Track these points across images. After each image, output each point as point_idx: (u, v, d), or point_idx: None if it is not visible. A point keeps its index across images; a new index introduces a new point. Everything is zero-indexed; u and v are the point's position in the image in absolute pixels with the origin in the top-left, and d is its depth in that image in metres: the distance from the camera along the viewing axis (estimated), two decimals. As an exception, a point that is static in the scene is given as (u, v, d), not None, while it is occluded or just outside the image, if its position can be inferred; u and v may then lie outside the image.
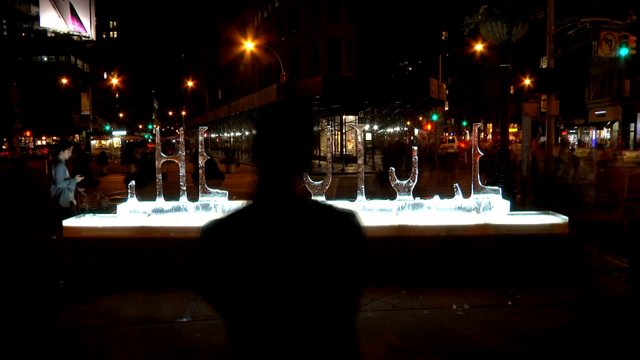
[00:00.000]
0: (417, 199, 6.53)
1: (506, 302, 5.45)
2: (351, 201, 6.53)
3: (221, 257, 1.39)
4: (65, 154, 7.82)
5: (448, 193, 6.98)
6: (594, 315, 5.13)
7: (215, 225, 1.44)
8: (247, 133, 43.99)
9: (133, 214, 6.52)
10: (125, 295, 5.76)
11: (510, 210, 6.64)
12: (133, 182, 6.70)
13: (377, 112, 30.67)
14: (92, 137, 57.02)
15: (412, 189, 6.49)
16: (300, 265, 1.36)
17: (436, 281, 5.94)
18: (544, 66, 16.67)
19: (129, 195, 6.57)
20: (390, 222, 6.21)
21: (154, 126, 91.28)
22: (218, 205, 6.53)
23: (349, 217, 1.44)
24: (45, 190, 7.93)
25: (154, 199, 6.59)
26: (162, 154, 6.69)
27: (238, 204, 6.67)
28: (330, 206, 1.45)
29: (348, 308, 1.46)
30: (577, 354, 4.33)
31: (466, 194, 6.56)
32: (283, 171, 1.41)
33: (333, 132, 30.71)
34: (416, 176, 6.55)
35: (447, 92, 49.83)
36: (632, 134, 41.02)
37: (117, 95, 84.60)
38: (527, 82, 43.57)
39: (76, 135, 69.18)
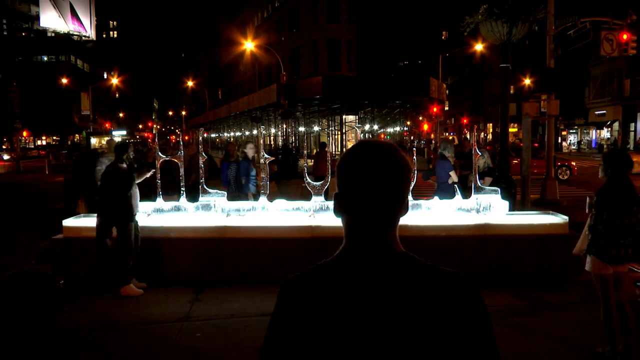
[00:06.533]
0: (417, 200, 6.54)
1: (506, 302, 5.45)
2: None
3: (301, 329, 1.08)
4: (250, 152, 8.53)
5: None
6: (594, 315, 5.12)
7: (298, 287, 1.13)
8: (247, 133, 44.00)
9: (133, 214, 6.51)
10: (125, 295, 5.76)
11: (510, 210, 6.64)
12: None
13: (377, 112, 30.65)
14: (92, 137, 57.00)
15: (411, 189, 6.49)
16: (401, 346, 1.03)
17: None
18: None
19: (129, 195, 6.56)
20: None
21: (154, 126, 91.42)
22: (217, 205, 6.53)
23: (467, 285, 1.09)
24: (45, 191, 7.92)
25: (154, 199, 6.59)
26: (161, 154, 6.70)
27: (238, 204, 6.67)
28: (437, 269, 1.10)
29: None
30: (578, 352, 4.33)
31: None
32: (381, 219, 1.14)
33: (333, 132, 30.70)
34: (415, 176, 6.56)
35: (447, 92, 49.77)
36: (632, 133, 41.04)
37: (117, 95, 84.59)
38: (527, 82, 43.54)
39: (76, 135, 69.20)
